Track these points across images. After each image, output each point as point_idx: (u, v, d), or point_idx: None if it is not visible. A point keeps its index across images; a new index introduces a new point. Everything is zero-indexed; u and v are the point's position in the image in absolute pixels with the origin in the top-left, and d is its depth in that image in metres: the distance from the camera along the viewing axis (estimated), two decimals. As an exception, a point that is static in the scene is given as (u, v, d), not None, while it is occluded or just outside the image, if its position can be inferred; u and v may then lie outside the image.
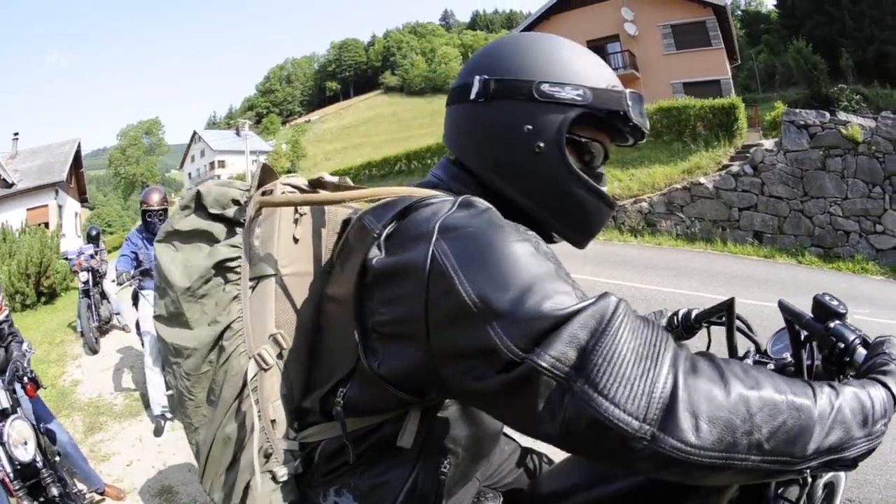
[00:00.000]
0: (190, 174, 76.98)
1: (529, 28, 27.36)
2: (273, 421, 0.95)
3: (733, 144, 14.49)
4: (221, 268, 1.02)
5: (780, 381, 0.72)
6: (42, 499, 2.72)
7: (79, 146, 30.11)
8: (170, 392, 4.31)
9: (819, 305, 1.05)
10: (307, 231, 1.06)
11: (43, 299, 11.41)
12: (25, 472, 2.63)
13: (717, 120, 14.82)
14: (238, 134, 58.96)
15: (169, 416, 4.12)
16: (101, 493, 3.62)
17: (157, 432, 4.27)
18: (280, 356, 0.98)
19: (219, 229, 1.05)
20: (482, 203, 0.83)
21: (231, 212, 1.05)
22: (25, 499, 2.59)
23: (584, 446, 0.71)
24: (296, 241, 1.03)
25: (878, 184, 10.99)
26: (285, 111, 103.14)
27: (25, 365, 2.86)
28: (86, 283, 7.19)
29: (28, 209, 23.14)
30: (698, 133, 15.08)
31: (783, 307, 1.11)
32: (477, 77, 0.95)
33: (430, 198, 0.86)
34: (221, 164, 67.58)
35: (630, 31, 24.07)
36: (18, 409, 2.75)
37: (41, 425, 3.03)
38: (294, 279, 1.02)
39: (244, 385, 0.96)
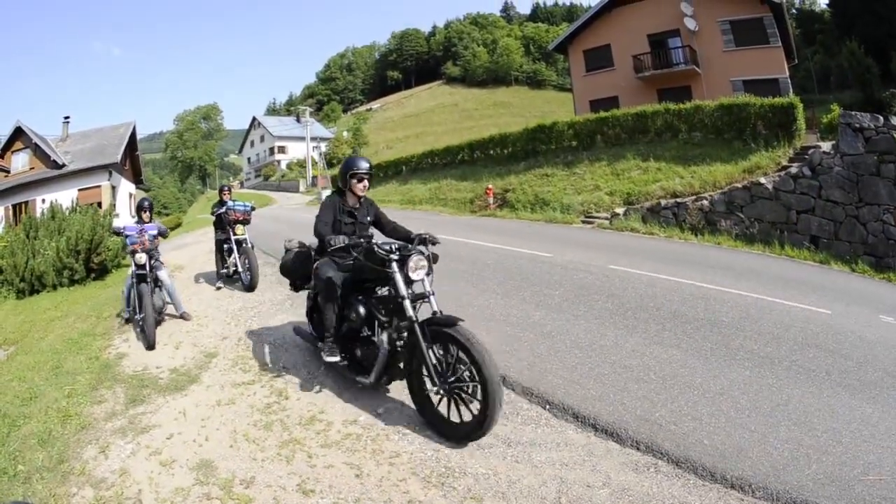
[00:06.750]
0: (249, 159, 79.28)
1: (590, 21, 27.27)
2: None
3: (792, 145, 14.28)
4: None
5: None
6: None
7: (133, 129, 31.20)
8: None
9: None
10: None
11: (93, 275, 11.46)
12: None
13: (777, 119, 14.62)
14: (298, 120, 60.41)
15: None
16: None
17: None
18: None
19: None
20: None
21: None
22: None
23: None
24: None
25: (931, 194, 10.56)
26: (346, 99, 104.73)
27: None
28: (143, 266, 6.40)
29: (80, 189, 24.43)
30: (758, 132, 14.91)
31: None
32: None
33: None
34: (282, 149, 69.51)
35: (690, 25, 23.71)
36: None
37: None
38: None
39: None
